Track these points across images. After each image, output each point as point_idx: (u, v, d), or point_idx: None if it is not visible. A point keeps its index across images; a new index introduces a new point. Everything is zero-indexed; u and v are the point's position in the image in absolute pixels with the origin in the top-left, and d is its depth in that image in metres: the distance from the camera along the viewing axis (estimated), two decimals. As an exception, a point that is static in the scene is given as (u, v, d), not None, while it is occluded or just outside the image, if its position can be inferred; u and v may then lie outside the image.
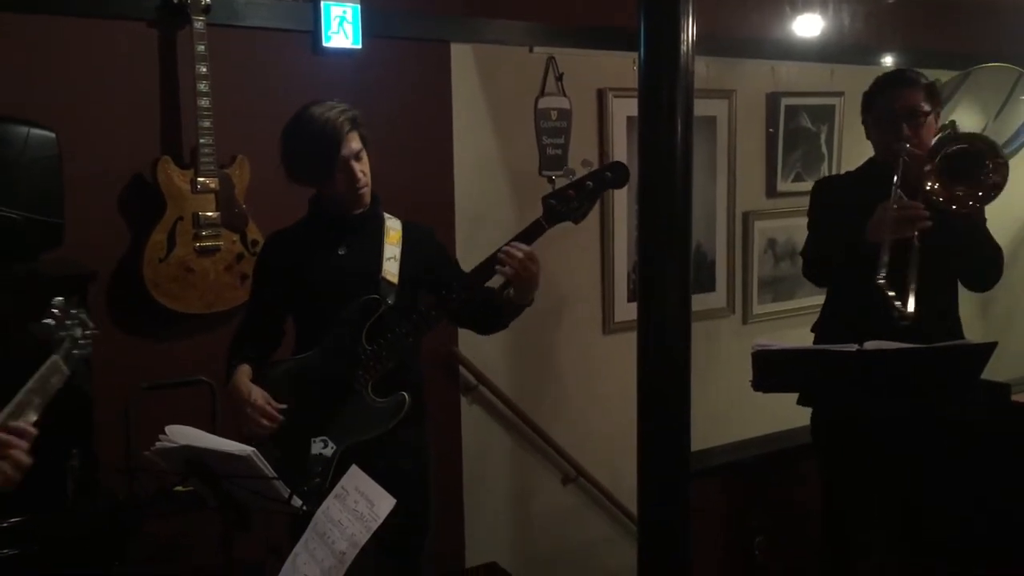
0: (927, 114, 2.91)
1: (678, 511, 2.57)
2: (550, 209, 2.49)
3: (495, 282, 2.58)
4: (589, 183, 2.50)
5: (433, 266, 2.67)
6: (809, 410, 3.16)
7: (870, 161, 3.12)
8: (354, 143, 2.51)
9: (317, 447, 2.36)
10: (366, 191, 2.56)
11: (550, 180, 3.35)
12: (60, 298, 1.80)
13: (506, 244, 2.48)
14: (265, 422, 2.40)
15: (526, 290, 2.52)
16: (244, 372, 2.51)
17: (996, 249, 2.90)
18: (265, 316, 2.66)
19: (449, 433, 3.71)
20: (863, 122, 3.10)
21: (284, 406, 2.44)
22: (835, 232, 2.93)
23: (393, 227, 2.64)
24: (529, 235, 2.49)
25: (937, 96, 3.01)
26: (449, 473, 3.69)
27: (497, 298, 2.58)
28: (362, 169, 2.53)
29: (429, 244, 2.70)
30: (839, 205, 3.02)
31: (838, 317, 3.05)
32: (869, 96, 3.05)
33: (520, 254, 2.44)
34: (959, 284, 3.01)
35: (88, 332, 1.85)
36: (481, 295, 2.55)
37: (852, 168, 3.27)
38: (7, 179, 2.54)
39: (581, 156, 3.96)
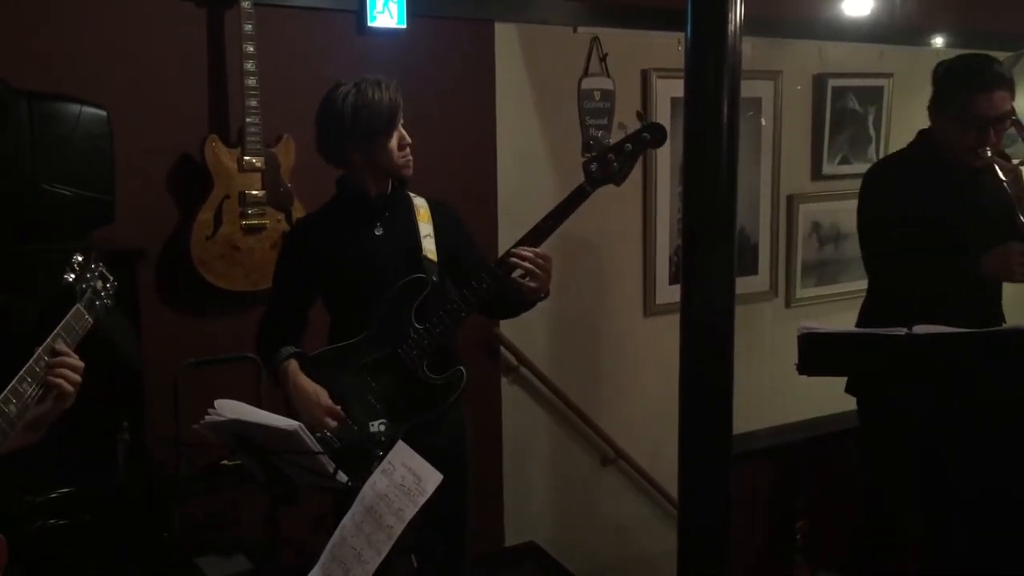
0: (1013, 115, 2.76)
1: (719, 494, 2.57)
2: (591, 174, 2.50)
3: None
4: (628, 145, 2.51)
5: (459, 242, 2.68)
6: (851, 396, 3.13)
7: (924, 144, 2.95)
8: (401, 113, 2.51)
9: (376, 430, 2.34)
10: (410, 160, 2.53)
11: (587, 148, 3.25)
12: (79, 255, 1.88)
13: (512, 247, 2.47)
14: (332, 422, 2.40)
15: (542, 284, 2.51)
16: (299, 370, 2.48)
17: None
18: (296, 303, 2.62)
19: (489, 413, 3.73)
20: (929, 107, 2.91)
21: (338, 408, 2.43)
22: (916, 256, 2.77)
23: (420, 205, 2.64)
24: (570, 203, 2.49)
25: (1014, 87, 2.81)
26: (489, 453, 3.72)
27: (518, 289, 2.56)
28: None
29: (454, 219, 2.70)
30: (905, 214, 2.83)
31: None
32: (946, 89, 2.82)
33: (529, 254, 2.45)
34: None
35: (109, 285, 1.95)
36: (507, 286, 2.52)
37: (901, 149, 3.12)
38: (59, 157, 2.58)
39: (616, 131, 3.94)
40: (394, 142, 2.48)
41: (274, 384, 2.54)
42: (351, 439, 2.35)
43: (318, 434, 2.16)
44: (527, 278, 2.48)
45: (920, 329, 2.24)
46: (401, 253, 2.55)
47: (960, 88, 2.76)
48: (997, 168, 2.70)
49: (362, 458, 2.00)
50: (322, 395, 2.43)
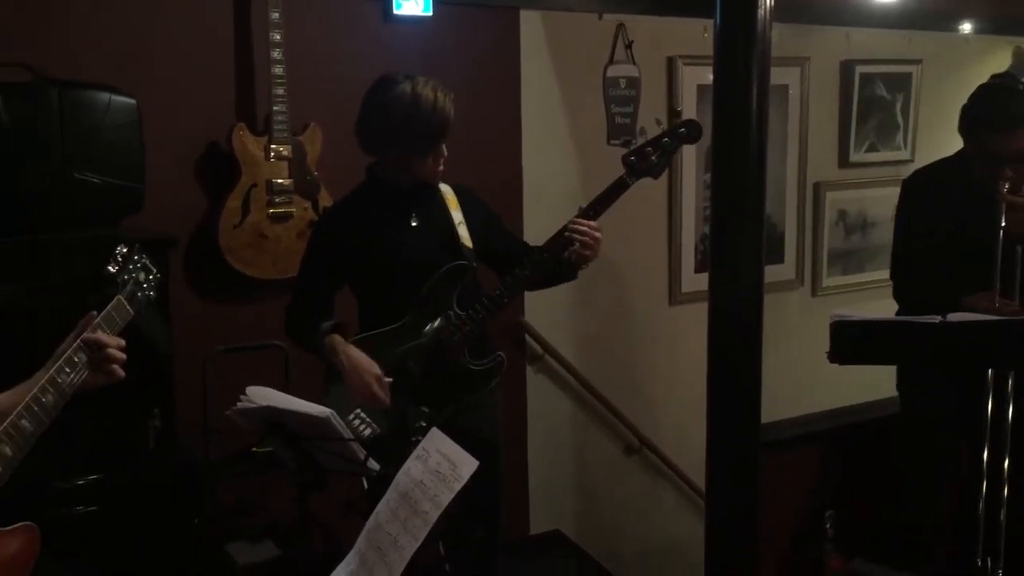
0: None
1: (747, 483, 2.56)
2: (631, 166, 2.56)
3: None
4: (666, 139, 2.59)
5: (487, 223, 2.70)
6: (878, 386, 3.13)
7: (960, 158, 3.04)
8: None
9: (419, 416, 2.36)
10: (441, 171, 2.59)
11: (626, 143, 3.31)
12: (122, 246, 1.90)
13: (570, 222, 2.53)
14: (383, 395, 2.42)
15: (595, 253, 2.57)
16: (346, 342, 2.49)
17: None
18: (324, 290, 2.63)
19: (515, 402, 3.73)
20: (959, 130, 2.99)
21: (390, 379, 2.45)
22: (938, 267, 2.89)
23: (447, 192, 2.66)
24: (612, 193, 2.55)
25: None
26: (514, 441, 3.72)
27: (561, 264, 2.58)
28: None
29: (479, 204, 2.73)
30: (929, 223, 2.96)
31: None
32: (969, 120, 2.92)
33: (585, 227, 2.51)
34: None
35: (151, 276, 1.96)
36: (549, 266, 2.56)
37: (923, 142, 3.23)
38: (89, 145, 2.60)
39: (649, 125, 3.93)
40: (438, 154, 2.53)
41: (320, 360, 2.55)
42: (392, 425, 2.36)
43: (356, 421, 2.17)
44: (580, 247, 2.53)
45: (955, 316, 2.22)
46: (438, 241, 2.57)
47: (979, 124, 2.87)
48: (1004, 206, 2.73)
49: (402, 442, 2.01)
50: (374, 366, 2.44)
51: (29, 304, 2.49)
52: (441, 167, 2.57)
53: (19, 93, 2.52)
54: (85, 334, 1.76)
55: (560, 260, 2.55)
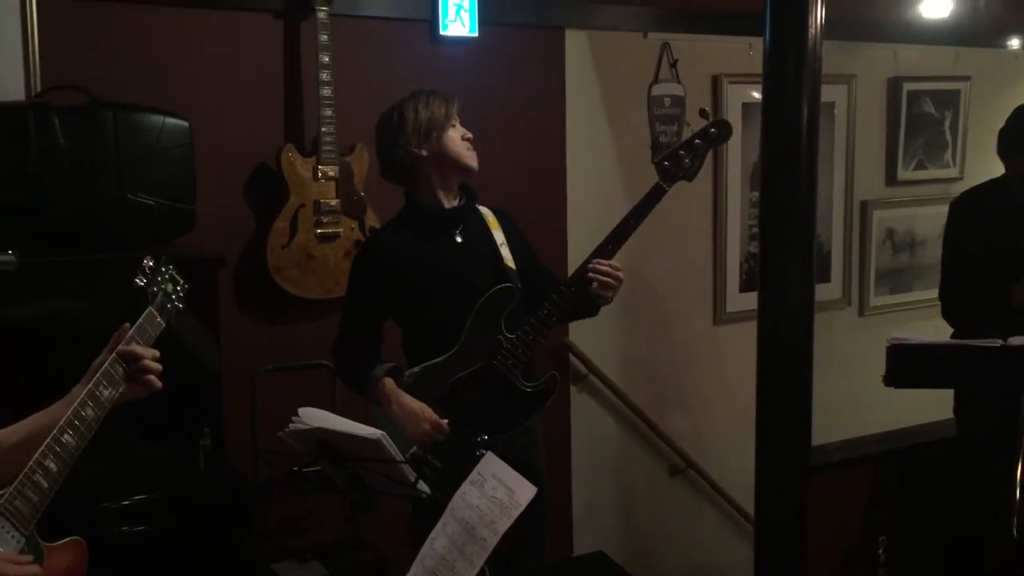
0: None
1: (796, 507, 2.52)
2: (665, 171, 2.54)
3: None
4: (697, 141, 2.56)
5: (524, 250, 2.70)
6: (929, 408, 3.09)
7: (1008, 183, 3.07)
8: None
9: (479, 444, 2.33)
10: (475, 153, 2.59)
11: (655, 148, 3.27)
12: (149, 259, 1.91)
13: (591, 262, 2.51)
14: (440, 436, 2.42)
15: (614, 294, 2.56)
16: (397, 387, 2.49)
17: None
18: (372, 321, 2.62)
19: (559, 422, 3.71)
20: (997, 153, 3.03)
21: (444, 421, 2.45)
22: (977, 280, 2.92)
23: (488, 214, 2.66)
24: (650, 200, 2.53)
25: None
26: (558, 461, 3.70)
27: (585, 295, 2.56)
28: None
29: (517, 228, 2.73)
30: (978, 243, 3.00)
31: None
32: (1009, 145, 2.98)
33: (606, 267, 2.49)
34: None
35: (179, 287, 1.98)
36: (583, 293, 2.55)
37: (972, 160, 3.24)
38: (144, 167, 2.63)
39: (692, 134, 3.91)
40: (456, 133, 2.55)
41: (373, 404, 2.55)
42: (453, 455, 2.33)
43: (414, 450, 2.17)
44: (599, 287, 2.51)
45: (1016, 340, 2.17)
46: (483, 263, 2.57)
47: (1014, 147, 2.91)
48: None
49: (464, 473, 2.01)
50: (427, 410, 2.44)
51: (83, 321, 2.52)
52: (472, 149, 2.58)
53: (75, 116, 2.56)
54: (120, 347, 1.77)
55: (586, 295, 2.53)
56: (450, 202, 2.59)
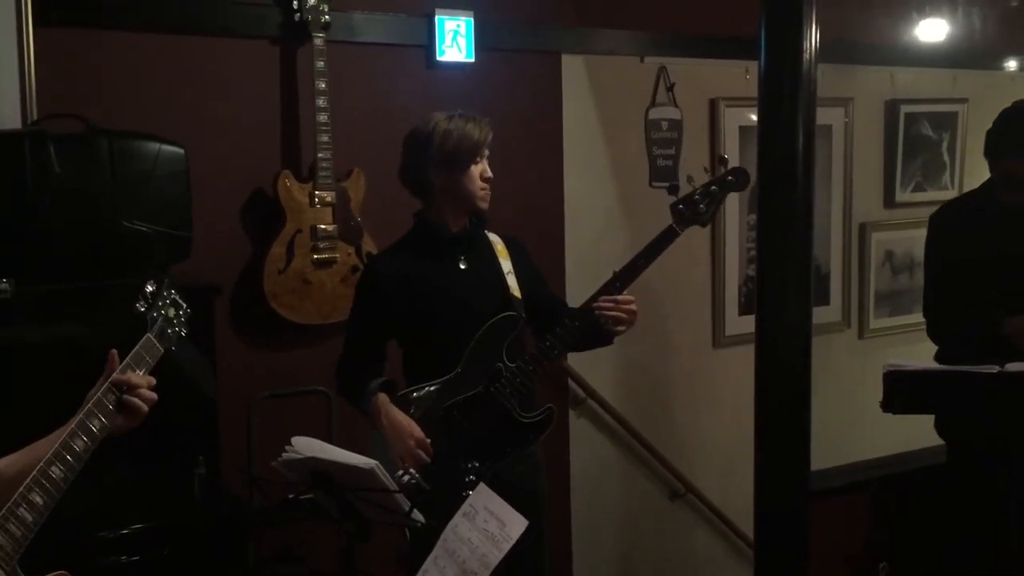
0: None
1: (797, 533, 2.50)
2: (680, 214, 2.53)
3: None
4: (714, 187, 2.55)
5: (531, 276, 2.69)
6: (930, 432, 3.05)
7: (990, 189, 3.00)
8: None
9: (470, 470, 2.32)
10: (489, 193, 2.57)
11: (671, 190, 3.26)
12: (150, 283, 1.89)
13: (598, 299, 2.49)
14: (424, 456, 2.41)
15: (630, 324, 2.54)
16: (389, 402, 2.49)
17: None
18: (375, 340, 2.62)
19: (558, 446, 3.69)
20: (985, 154, 2.97)
21: (429, 440, 2.43)
22: (964, 299, 2.85)
23: (497, 242, 2.66)
24: (662, 241, 2.52)
25: None
26: (557, 485, 3.67)
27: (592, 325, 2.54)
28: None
29: (527, 257, 2.72)
30: (962, 254, 2.94)
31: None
32: (997, 144, 2.90)
33: (610, 304, 2.47)
34: None
35: (182, 312, 1.94)
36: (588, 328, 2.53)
37: (970, 181, 3.20)
38: (139, 194, 2.63)
39: (692, 166, 3.92)
40: (477, 171, 2.53)
41: (367, 420, 2.55)
42: (442, 479, 2.33)
43: (405, 477, 2.15)
44: (612, 323, 2.49)
45: (1014, 366, 2.16)
46: (488, 290, 2.56)
47: (1004, 147, 2.84)
48: None
49: (452, 498, 1.99)
50: (415, 427, 2.43)
51: (81, 348, 2.51)
52: (487, 190, 2.55)
53: (71, 143, 2.56)
54: (114, 376, 1.74)
55: (595, 327, 2.51)
56: (459, 225, 2.59)
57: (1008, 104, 4.08)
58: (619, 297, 2.48)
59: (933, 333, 3.10)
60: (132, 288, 2.57)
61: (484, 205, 2.57)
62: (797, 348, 2.42)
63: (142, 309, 1.86)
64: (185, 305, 1.96)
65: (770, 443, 2.48)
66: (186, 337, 1.95)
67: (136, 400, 1.75)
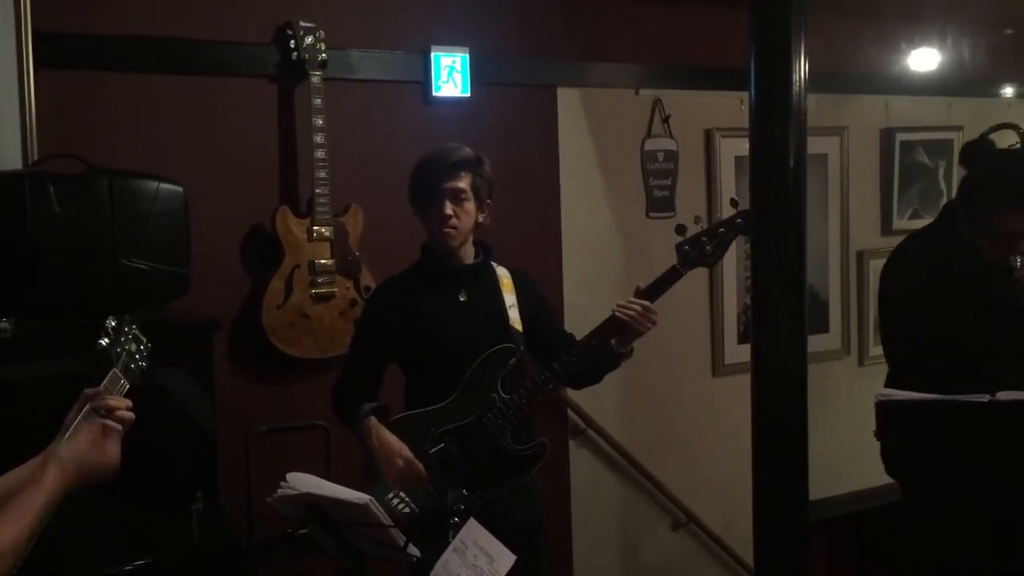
0: None
1: (797, 561, 2.49)
2: (684, 255, 2.53)
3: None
4: (722, 229, 2.54)
5: (535, 309, 2.70)
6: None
7: (948, 226, 2.72)
8: (460, 183, 2.52)
9: (456, 499, 2.32)
10: (451, 233, 2.52)
11: (678, 230, 3.16)
12: (112, 319, 1.90)
13: (595, 337, 2.51)
14: (412, 478, 2.43)
15: (634, 339, 2.54)
16: (380, 424, 2.51)
17: None
18: (374, 366, 2.65)
19: (558, 476, 3.69)
20: (966, 201, 2.65)
21: (419, 463, 2.45)
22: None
23: (504, 275, 2.67)
24: (665, 281, 2.53)
25: None
26: (558, 516, 3.67)
27: (602, 352, 2.55)
28: (455, 210, 2.50)
29: (533, 292, 2.74)
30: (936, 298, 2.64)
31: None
32: (978, 192, 2.59)
33: (640, 304, 2.49)
34: None
35: (143, 347, 1.93)
36: (594, 357, 2.55)
37: None
38: (138, 232, 2.65)
39: (688, 197, 3.95)
40: (441, 210, 2.50)
41: (358, 441, 2.57)
42: (429, 506, 2.35)
43: (395, 501, 2.17)
44: (634, 323, 2.50)
45: (1005, 395, 2.16)
46: (488, 321, 2.57)
47: (994, 201, 2.52)
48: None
49: (439, 526, 2.00)
50: (404, 449, 2.45)
51: (80, 385, 2.53)
52: (447, 229, 2.50)
53: (71, 183, 2.59)
54: (94, 401, 1.73)
55: (608, 348, 2.53)
56: (464, 256, 2.60)
57: (1003, 131, 4.01)
58: (643, 302, 2.49)
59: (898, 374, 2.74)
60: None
61: (448, 241, 2.54)
62: (792, 376, 2.42)
63: (104, 344, 1.87)
64: (146, 340, 1.96)
65: (768, 472, 2.48)
66: (148, 373, 1.95)
67: (110, 420, 1.75)
